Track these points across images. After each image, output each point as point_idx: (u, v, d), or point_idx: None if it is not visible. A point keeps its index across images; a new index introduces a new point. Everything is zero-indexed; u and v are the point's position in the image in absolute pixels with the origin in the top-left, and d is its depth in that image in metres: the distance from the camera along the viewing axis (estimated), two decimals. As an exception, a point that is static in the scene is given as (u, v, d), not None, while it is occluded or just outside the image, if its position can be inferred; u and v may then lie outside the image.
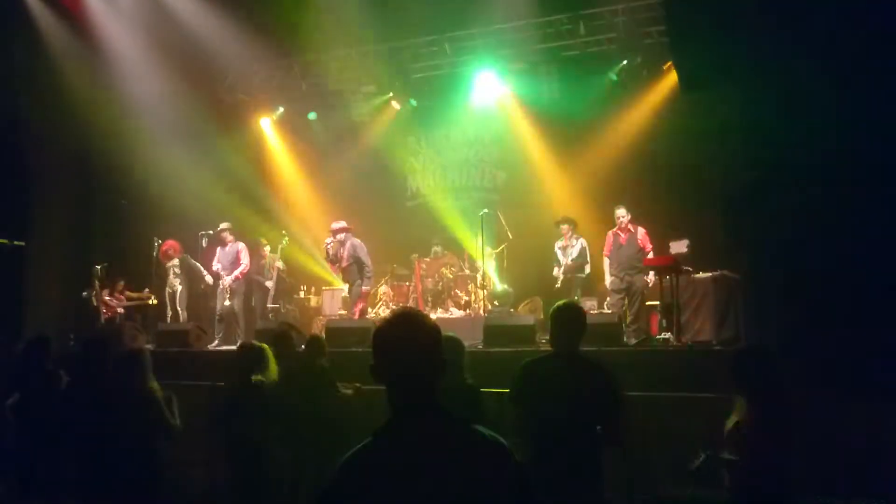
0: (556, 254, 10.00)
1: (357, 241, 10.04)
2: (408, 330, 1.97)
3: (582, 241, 9.88)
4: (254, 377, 5.26)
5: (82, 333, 10.63)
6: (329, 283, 12.36)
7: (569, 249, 9.87)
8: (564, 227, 9.97)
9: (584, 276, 9.86)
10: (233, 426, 5.17)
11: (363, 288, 9.96)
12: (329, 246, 10.05)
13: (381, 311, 11.37)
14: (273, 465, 5.76)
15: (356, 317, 9.89)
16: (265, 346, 5.58)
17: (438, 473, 1.79)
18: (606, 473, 3.77)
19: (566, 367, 3.75)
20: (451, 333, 4.51)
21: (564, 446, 3.61)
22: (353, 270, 9.91)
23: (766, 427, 3.58)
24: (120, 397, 4.72)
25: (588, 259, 9.83)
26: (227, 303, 10.43)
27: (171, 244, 11.08)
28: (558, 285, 9.87)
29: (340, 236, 9.97)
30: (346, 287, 11.90)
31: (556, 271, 9.93)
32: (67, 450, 5.39)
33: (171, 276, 11.07)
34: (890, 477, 5.14)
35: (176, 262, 11.02)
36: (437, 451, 1.83)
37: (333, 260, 10.11)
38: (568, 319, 3.88)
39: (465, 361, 4.59)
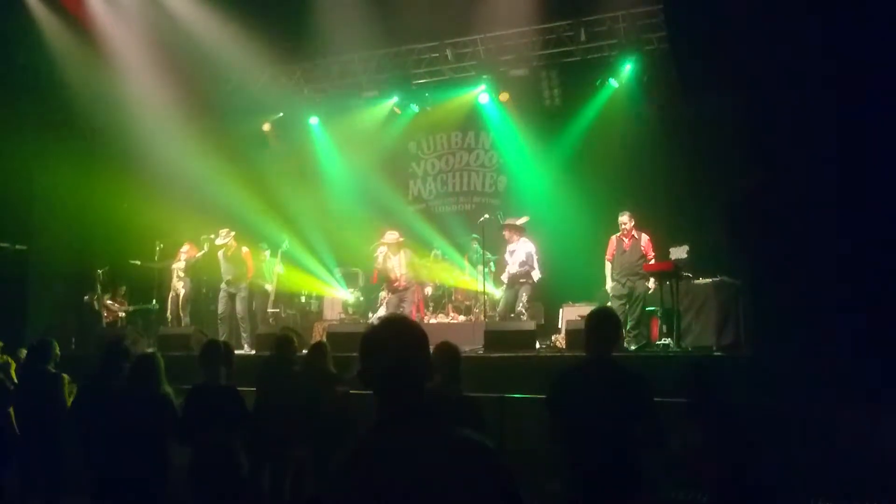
0: (505, 258, 9.95)
1: (409, 251, 10.11)
2: (392, 336, 1.98)
3: (528, 247, 9.66)
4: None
5: (84, 337, 10.67)
6: (330, 288, 12.38)
7: (514, 255, 9.73)
8: (505, 233, 9.88)
9: (529, 283, 9.59)
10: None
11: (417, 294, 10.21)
12: (381, 253, 9.96)
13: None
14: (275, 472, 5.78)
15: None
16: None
17: (424, 477, 1.79)
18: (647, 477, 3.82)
19: (601, 373, 3.78)
20: (446, 340, 4.42)
21: (601, 452, 3.62)
22: (408, 278, 9.94)
23: (727, 437, 3.62)
24: (135, 400, 4.72)
25: (535, 265, 9.58)
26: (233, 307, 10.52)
27: (189, 246, 11.11)
28: (501, 289, 9.87)
29: (393, 247, 9.89)
30: (348, 292, 12.00)
31: (504, 276, 9.89)
32: (77, 450, 5.43)
33: (175, 279, 11.08)
34: (888, 480, 5.15)
35: (181, 264, 11.04)
36: (422, 455, 1.83)
37: (383, 270, 10.02)
38: (599, 324, 3.93)
39: (460, 371, 4.35)
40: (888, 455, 5.13)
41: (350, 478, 1.84)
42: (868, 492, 5.06)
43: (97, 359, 5.67)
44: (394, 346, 1.96)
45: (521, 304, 9.56)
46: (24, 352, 6.54)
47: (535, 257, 9.64)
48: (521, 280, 9.62)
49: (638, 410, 3.72)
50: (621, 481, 3.66)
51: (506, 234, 9.92)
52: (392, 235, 9.93)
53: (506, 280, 9.83)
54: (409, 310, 9.87)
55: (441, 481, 1.78)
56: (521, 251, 9.66)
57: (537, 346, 8.66)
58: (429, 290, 11.67)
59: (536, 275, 9.60)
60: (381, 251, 9.91)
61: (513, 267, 9.69)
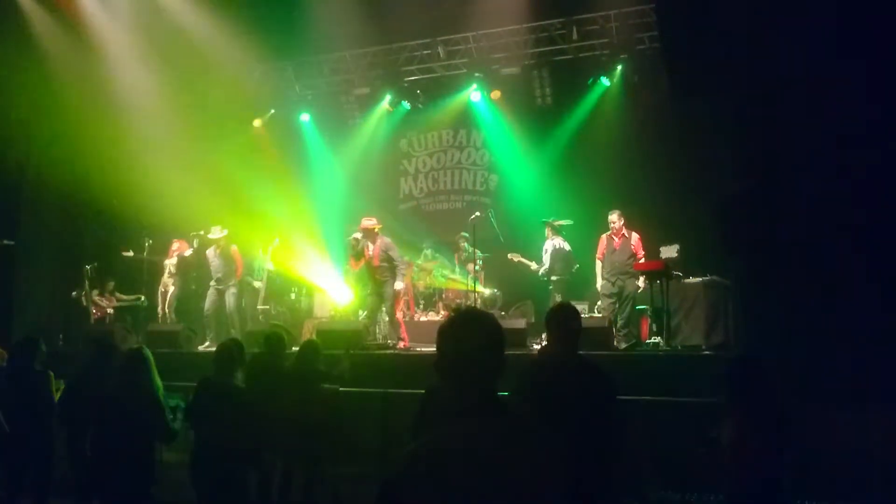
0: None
1: (388, 239, 9.57)
2: (466, 328, 2.04)
3: (554, 243, 9.80)
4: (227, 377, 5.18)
5: (72, 334, 10.61)
6: (321, 285, 12.33)
7: (546, 253, 9.90)
8: (547, 229, 10.03)
9: (559, 279, 9.74)
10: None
11: (396, 287, 9.42)
12: (356, 240, 9.50)
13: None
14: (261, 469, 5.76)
15: (399, 316, 9.64)
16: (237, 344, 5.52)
17: (497, 466, 1.85)
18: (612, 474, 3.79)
19: (565, 369, 3.74)
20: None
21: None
22: (384, 269, 9.39)
23: (760, 436, 3.61)
24: (126, 396, 4.69)
25: (558, 261, 9.74)
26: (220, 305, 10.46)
27: (179, 243, 11.06)
28: (550, 287, 9.93)
29: (371, 234, 9.41)
30: (344, 289, 11.93)
31: (536, 267, 9.99)
32: (70, 449, 5.40)
33: (166, 275, 11.04)
34: (880, 482, 5.18)
35: (174, 261, 10.99)
36: (495, 445, 1.89)
37: (357, 256, 9.56)
38: (562, 321, 3.87)
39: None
40: (878, 454, 5.16)
41: (425, 465, 1.89)
42: (857, 494, 5.09)
43: (85, 355, 5.64)
44: (467, 338, 2.02)
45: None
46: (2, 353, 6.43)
47: (549, 253, 9.84)
48: (553, 278, 9.76)
49: (603, 408, 3.67)
50: (585, 479, 3.62)
51: (547, 229, 10.05)
52: (369, 222, 9.48)
53: (542, 274, 9.99)
54: (390, 305, 9.48)
55: (508, 471, 1.85)
56: (550, 249, 9.85)
57: (528, 343, 8.67)
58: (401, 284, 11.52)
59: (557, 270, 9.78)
60: (357, 237, 9.51)
61: (545, 265, 9.88)
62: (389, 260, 9.36)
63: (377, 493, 1.89)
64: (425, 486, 1.84)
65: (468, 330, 2.04)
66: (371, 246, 9.35)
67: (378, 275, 9.38)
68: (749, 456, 3.60)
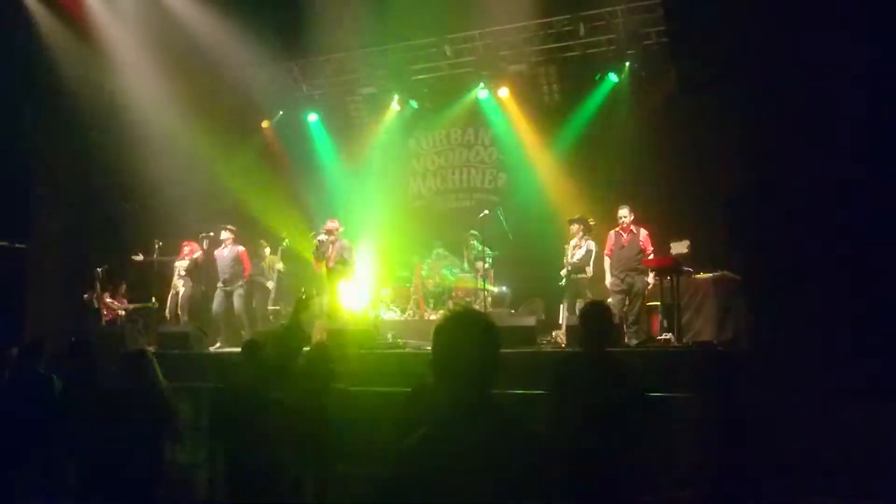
0: (566, 252, 9.78)
1: (346, 242, 9.92)
2: (462, 330, 2.06)
3: (589, 244, 9.59)
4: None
5: (82, 336, 10.65)
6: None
7: (575, 250, 9.67)
8: (574, 227, 9.80)
9: (585, 276, 9.62)
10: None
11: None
12: (320, 242, 9.98)
13: (382, 314, 11.37)
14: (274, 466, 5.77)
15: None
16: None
17: (486, 465, 1.86)
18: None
19: (592, 366, 3.80)
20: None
21: (592, 444, 3.62)
22: (338, 272, 9.77)
23: (722, 425, 3.65)
24: (129, 394, 4.71)
25: (590, 262, 9.56)
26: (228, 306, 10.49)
27: (190, 245, 11.12)
28: (562, 283, 9.78)
29: (332, 236, 9.88)
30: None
31: (563, 270, 9.82)
32: (70, 450, 5.41)
33: (176, 277, 11.08)
34: (888, 476, 5.15)
35: (185, 263, 11.03)
36: (485, 444, 1.90)
37: (319, 257, 9.99)
38: (592, 318, 3.95)
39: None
40: (885, 453, 5.12)
41: (413, 466, 1.92)
42: (869, 489, 5.06)
43: (67, 357, 5.69)
44: (460, 339, 2.04)
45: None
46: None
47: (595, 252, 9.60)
48: (576, 276, 9.58)
49: (626, 404, 3.71)
50: (608, 474, 3.65)
51: (574, 227, 9.76)
52: (332, 224, 9.86)
53: (563, 275, 9.74)
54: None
55: (497, 470, 1.86)
56: (583, 248, 9.58)
57: (538, 341, 8.66)
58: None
59: (588, 271, 9.55)
60: (321, 239, 9.84)
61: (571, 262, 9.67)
62: (343, 262, 9.70)
63: (370, 492, 1.89)
64: (416, 484, 1.86)
65: (461, 330, 2.05)
66: (331, 247, 9.75)
67: (331, 276, 9.71)
68: (719, 445, 3.65)
